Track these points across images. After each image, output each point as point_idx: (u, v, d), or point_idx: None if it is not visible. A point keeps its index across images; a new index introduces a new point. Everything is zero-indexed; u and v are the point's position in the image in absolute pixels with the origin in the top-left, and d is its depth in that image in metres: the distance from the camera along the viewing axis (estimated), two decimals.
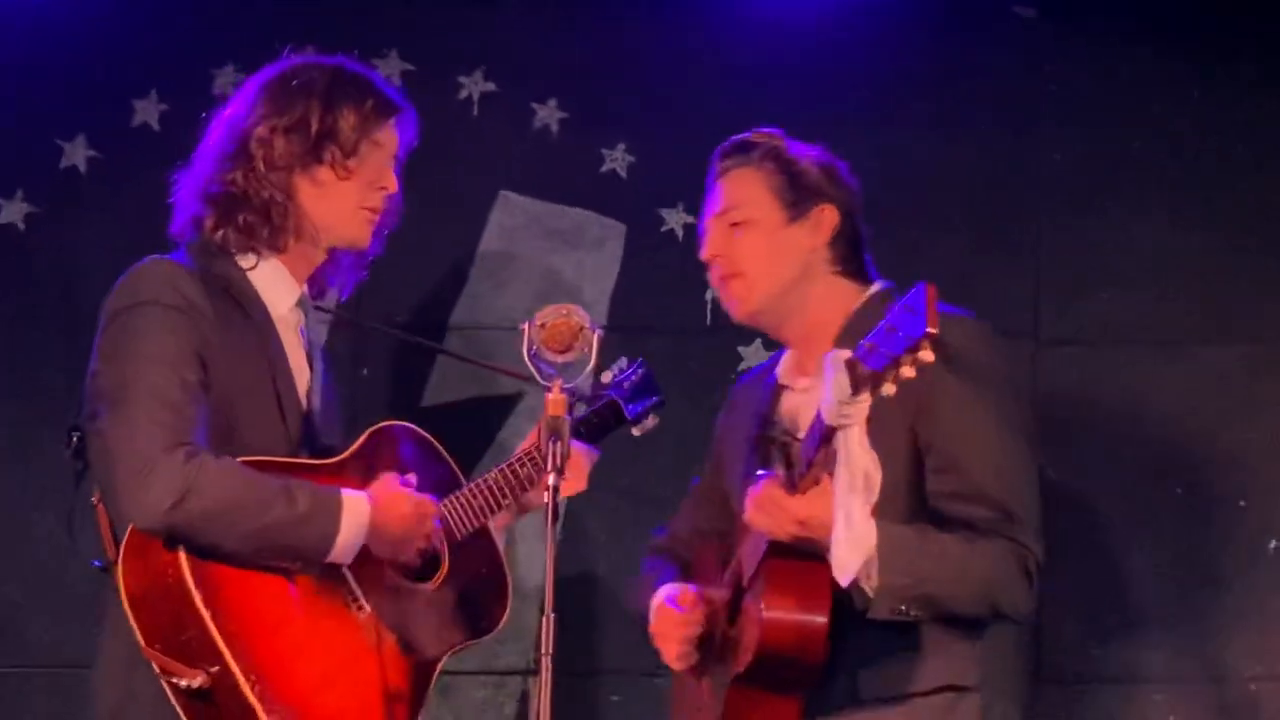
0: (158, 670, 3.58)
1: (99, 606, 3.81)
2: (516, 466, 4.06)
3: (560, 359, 3.65)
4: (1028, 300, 5.54)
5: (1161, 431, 5.50)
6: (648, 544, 4.40)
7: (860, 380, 3.33)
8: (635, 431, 4.40)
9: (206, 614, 3.52)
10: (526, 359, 3.65)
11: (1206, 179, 5.58)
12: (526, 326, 3.68)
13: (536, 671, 3.63)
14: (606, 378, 4.39)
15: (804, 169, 4.01)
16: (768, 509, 3.65)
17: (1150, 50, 5.60)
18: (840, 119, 5.46)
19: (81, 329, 5.31)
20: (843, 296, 3.98)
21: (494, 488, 4.03)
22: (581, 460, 4.11)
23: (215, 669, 3.53)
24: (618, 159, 5.61)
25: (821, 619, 3.65)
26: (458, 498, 3.98)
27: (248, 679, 3.53)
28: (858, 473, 3.47)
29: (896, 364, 3.27)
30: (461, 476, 4.08)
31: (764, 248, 3.96)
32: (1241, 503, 5.48)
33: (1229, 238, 5.56)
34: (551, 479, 3.55)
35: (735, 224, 4.00)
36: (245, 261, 3.82)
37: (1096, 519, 5.48)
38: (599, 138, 5.61)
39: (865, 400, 3.37)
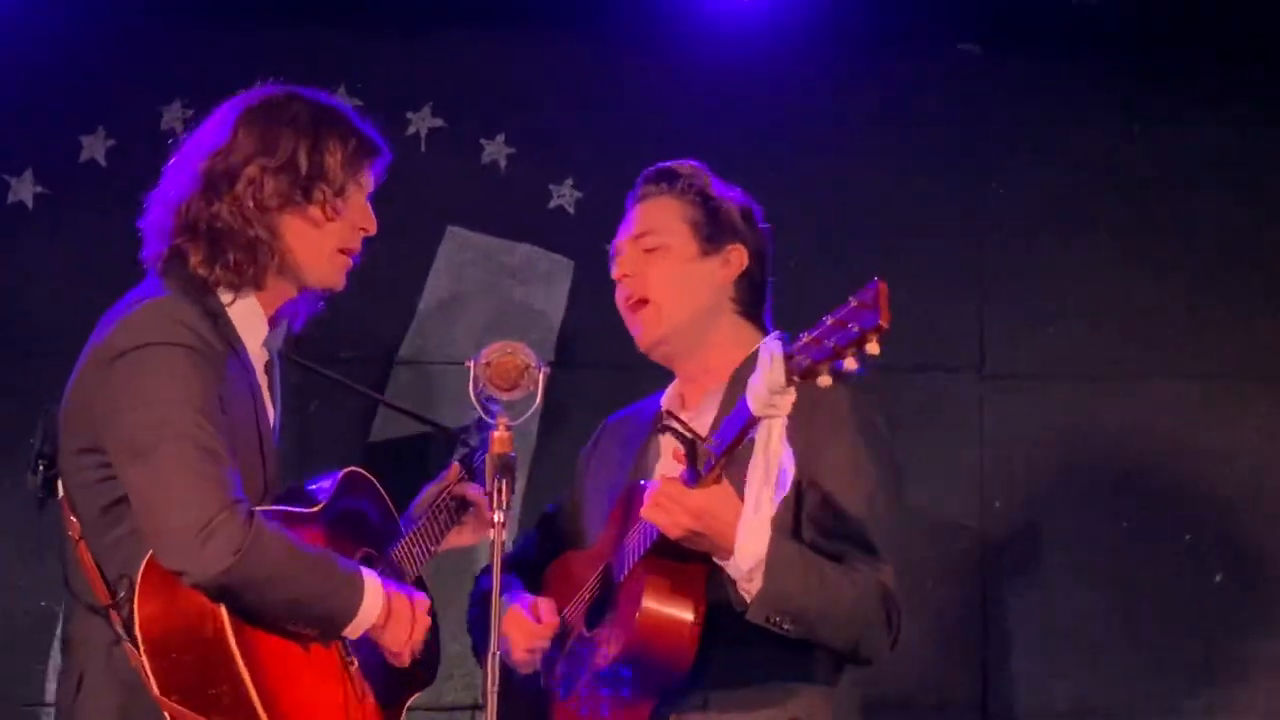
0: (169, 718, 3.55)
1: (74, 645, 3.72)
2: (435, 513, 4.11)
3: (506, 396, 3.66)
4: (973, 334, 5.57)
5: (1107, 466, 5.53)
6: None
7: (795, 371, 3.36)
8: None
9: (246, 673, 3.50)
10: (473, 396, 3.66)
11: (1151, 214, 5.63)
12: (472, 364, 3.68)
13: (483, 707, 3.64)
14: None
15: (722, 206, 4.07)
16: (664, 504, 3.65)
17: (1094, 86, 5.64)
18: (785, 154, 5.51)
19: (29, 361, 5.36)
20: (740, 339, 4.04)
21: (426, 534, 4.07)
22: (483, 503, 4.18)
23: None
24: (565, 195, 5.63)
25: (691, 617, 3.70)
26: (404, 545, 4.00)
27: None
28: (774, 465, 3.50)
29: (839, 355, 3.30)
30: (399, 520, 4.10)
31: (675, 276, 4.03)
32: (1187, 536, 5.51)
33: (1174, 272, 5.60)
34: (497, 516, 3.56)
35: (649, 249, 4.06)
36: (224, 297, 3.77)
37: (1042, 552, 5.51)
38: (547, 173, 5.62)
39: (793, 393, 3.40)
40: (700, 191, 4.08)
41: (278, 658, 3.59)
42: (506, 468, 3.58)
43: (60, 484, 3.72)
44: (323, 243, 3.81)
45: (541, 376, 3.70)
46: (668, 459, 3.91)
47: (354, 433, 5.55)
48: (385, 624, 3.69)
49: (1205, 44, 5.55)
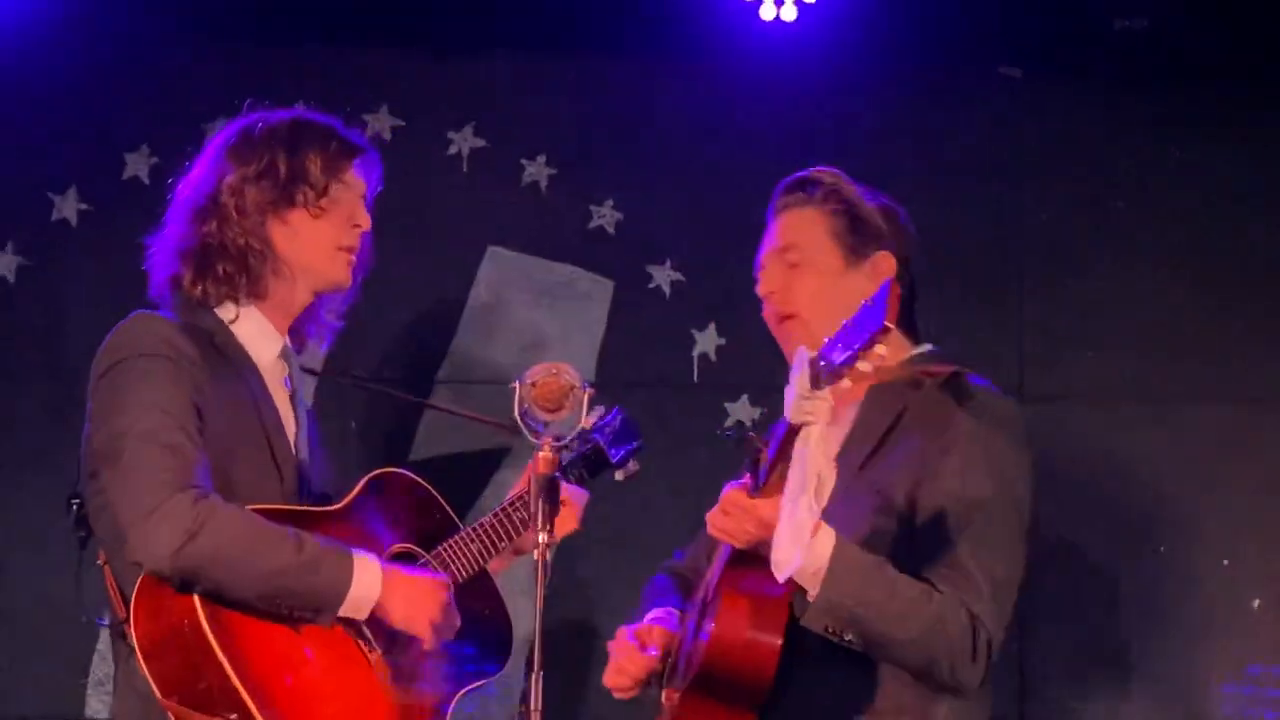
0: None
1: (112, 664, 3.82)
2: (510, 511, 4.09)
3: (550, 418, 3.65)
4: (1012, 358, 5.58)
5: (1145, 489, 5.53)
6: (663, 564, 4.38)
7: (819, 375, 3.33)
8: (619, 475, 4.41)
9: (225, 660, 3.52)
10: (517, 417, 3.66)
11: (1190, 237, 5.63)
12: (517, 385, 3.68)
13: None
14: (588, 422, 4.40)
15: (865, 213, 3.94)
16: (731, 512, 3.64)
17: (1134, 110, 5.65)
18: None
19: (67, 383, 5.38)
20: (889, 348, 3.84)
21: (490, 532, 4.06)
22: (574, 501, 4.15)
23: (235, 716, 3.53)
24: (606, 215, 5.64)
25: (773, 638, 3.65)
26: (455, 542, 4.00)
27: None
28: (811, 472, 3.43)
29: (855, 359, 3.26)
30: (458, 521, 4.10)
31: (820, 291, 3.91)
32: (1225, 561, 5.50)
33: (1213, 296, 5.60)
34: (541, 536, 3.56)
35: (793, 264, 3.95)
36: (226, 314, 3.84)
37: (1080, 576, 5.50)
38: (587, 194, 5.64)
39: (826, 397, 3.36)
40: (842, 199, 3.95)
41: (264, 645, 3.60)
42: (551, 488, 3.59)
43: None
44: (316, 241, 3.86)
45: (586, 398, 3.71)
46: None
47: (398, 450, 5.56)
48: (389, 604, 3.70)
49: (1246, 71, 5.55)
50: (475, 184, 5.62)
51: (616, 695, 4.08)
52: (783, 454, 3.52)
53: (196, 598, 3.54)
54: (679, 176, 5.62)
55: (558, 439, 3.63)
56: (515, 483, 4.21)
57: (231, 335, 3.82)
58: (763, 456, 3.60)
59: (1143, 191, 5.65)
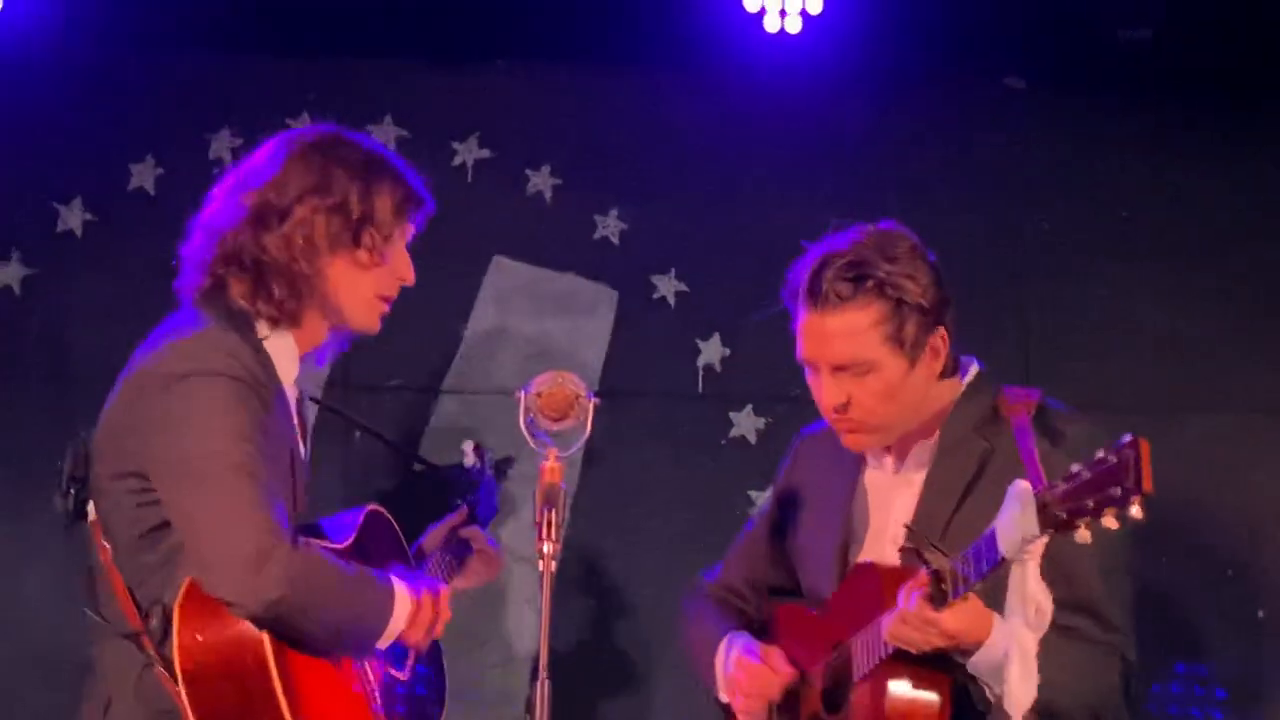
0: None
1: (101, 671, 3.68)
2: (446, 555, 4.16)
3: (556, 426, 3.65)
4: (1017, 369, 5.56)
5: (1148, 500, 5.51)
6: (694, 585, 4.31)
7: (1050, 522, 3.26)
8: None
9: (285, 704, 3.49)
10: (522, 427, 3.67)
11: (1194, 248, 5.63)
12: (522, 395, 3.69)
13: None
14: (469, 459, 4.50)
15: (914, 302, 3.73)
16: (916, 625, 3.55)
17: (1138, 120, 5.66)
18: (829, 189, 5.52)
19: (72, 392, 5.40)
20: (942, 394, 3.84)
21: (436, 576, 4.10)
22: (491, 551, 4.29)
23: None
24: (610, 226, 5.65)
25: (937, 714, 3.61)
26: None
27: None
28: (1031, 606, 3.37)
29: (1097, 513, 3.21)
30: (411, 560, 4.14)
31: (887, 393, 3.77)
32: (1229, 571, 5.51)
33: (1217, 306, 5.60)
34: (546, 547, 3.56)
35: (857, 376, 3.77)
36: (261, 331, 3.75)
37: None
38: (592, 204, 5.65)
39: (1048, 538, 3.31)
40: (883, 293, 3.73)
41: (314, 686, 3.58)
42: (555, 498, 3.58)
43: (91, 508, 3.69)
44: (365, 287, 3.80)
45: (591, 407, 3.71)
46: (880, 514, 3.85)
47: (397, 462, 5.57)
48: (409, 627, 3.70)
49: (1250, 81, 5.55)
50: (480, 194, 5.62)
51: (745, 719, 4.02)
52: (986, 580, 3.45)
53: (267, 636, 3.50)
54: (684, 187, 5.63)
55: (563, 450, 3.64)
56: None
57: (268, 356, 3.74)
58: (952, 568, 3.47)
59: (1147, 201, 5.66)
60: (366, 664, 3.75)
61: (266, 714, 3.50)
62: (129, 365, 3.72)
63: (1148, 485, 3.17)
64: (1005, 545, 3.34)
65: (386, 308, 3.86)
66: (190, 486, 3.52)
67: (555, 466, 3.60)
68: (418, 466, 5.40)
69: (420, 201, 3.85)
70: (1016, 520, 3.31)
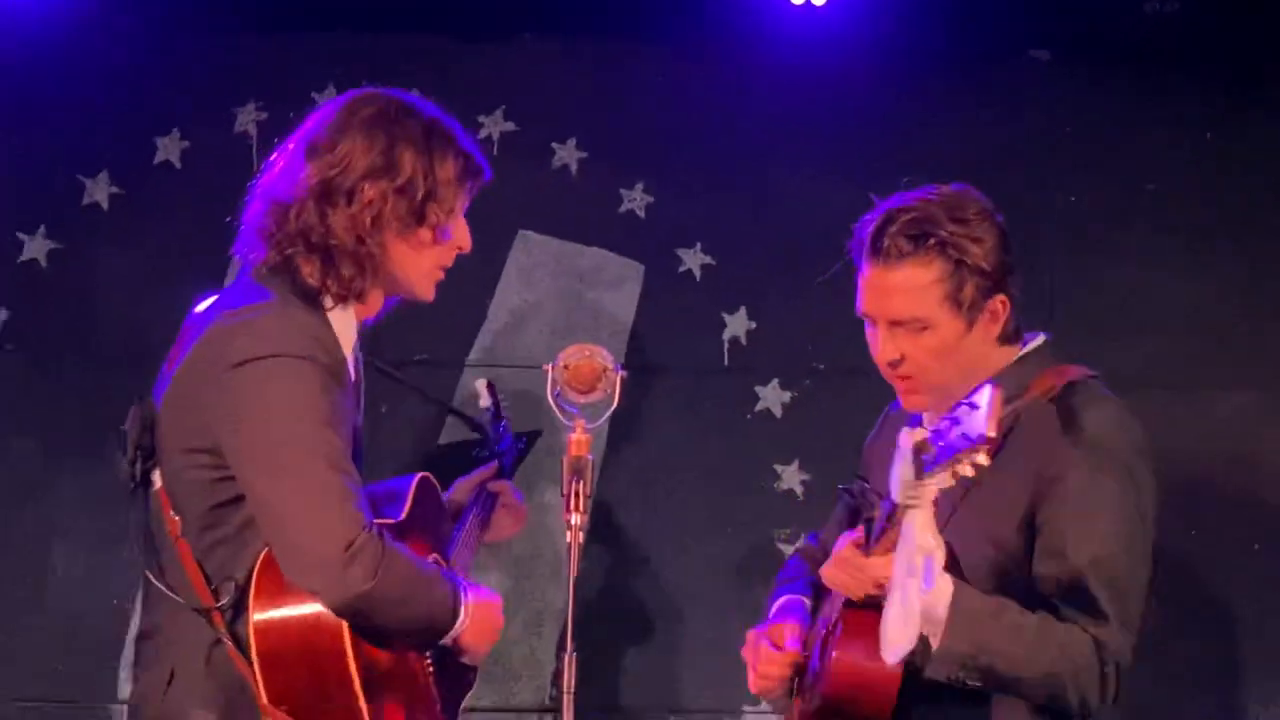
0: None
1: (164, 642, 3.64)
2: (481, 511, 4.18)
3: (583, 399, 3.66)
4: None
5: (1175, 476, 5.46)
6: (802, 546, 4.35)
7: (922, 468, 3.29)
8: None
9: (361, 692, 3.50)
10: (550, 399, 3.67)
11: (1222, 223, 5.62)
12: (550, 367, 3.69)
13: (555, 709, 3.65)
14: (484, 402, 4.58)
15: (976, 264, 3.73)
16: (845, 569, 3.63)
17: (1164, 93, 5.64)
18: (855, 161, 5.51)
19: (99, 366, 5.41)
20: (998, 361, 3.81)
21: (474, 534, 4.14)
22: (517, 504, 4.34)
23: None
24: (636, 199, 5.65)
25: (889, 681, 3.59)
26: (458, 550, 4.05)
27: None
28: (917, 555, 3.38)
29: (955, 461, 3.23)
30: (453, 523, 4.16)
31: (943, 352, 3.75)
32: (1256, 546, 5.50)
33: (1244, 281, 5.59)
34: (574, 519, 3.57)
35: (915, 332, 3.75)
36: (327, 304, 3.72)
37: None
38: (618, 178, 5.65)
39: (932, 485, 3.32)
40: (946, 253, 3.71)
41: (387, 676, 3.59)
42: (582, 470, 3.59)
43: (157, 476, 3.66)
44: (428, 260, 3.77)
45: (619, 380, 3.71)
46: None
47: (426, 432, 5.59)
48: (466, 632, 3.69)
49: (1278, 52, 5.53)
50: (505, 168, 5.56)
51: (767, 700, 4.03)
52: (893, 519, 3.48)
53: (346, 626, 3.51)
54: (709, 160, 5.62)
55: (591, 422, 3.65)
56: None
57: (333, 332, 3.71)
58: (877, 513, 3.56)
59: (1173, 174, 5.64)
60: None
61: (340, 699, 3.50)
62: (193, 331, 3.66)
63: (992, 431, 3.16)
64: (895, 490, 3.38)
65: (442, 275, 3.85)
66: (275, 473, 3.50)
67: (582, 439, 3.61)
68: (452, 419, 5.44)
69: (479, 172, 3.84)
70: (901, 467, 3.34)
